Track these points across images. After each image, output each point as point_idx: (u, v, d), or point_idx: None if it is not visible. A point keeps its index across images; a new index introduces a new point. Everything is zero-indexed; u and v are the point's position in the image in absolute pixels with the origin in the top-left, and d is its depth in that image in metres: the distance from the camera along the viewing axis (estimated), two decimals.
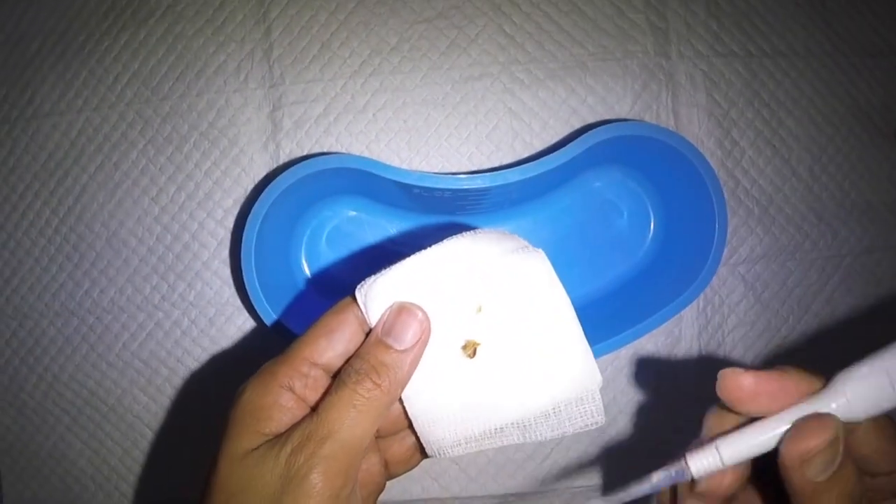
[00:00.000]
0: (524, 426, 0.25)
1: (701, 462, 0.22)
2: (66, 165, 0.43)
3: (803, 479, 0.21)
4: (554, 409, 0.25)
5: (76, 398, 0.43)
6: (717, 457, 0.22)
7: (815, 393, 0.22)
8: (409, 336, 0.24)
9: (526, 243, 0.27)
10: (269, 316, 0.36)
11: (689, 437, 0.24)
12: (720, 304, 0.43)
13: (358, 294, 0.25)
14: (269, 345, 0.42)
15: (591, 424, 0.25)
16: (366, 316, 0.25)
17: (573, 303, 0.26)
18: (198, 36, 0.42)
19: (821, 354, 0.43)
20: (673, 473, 0.22)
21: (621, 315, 0.39)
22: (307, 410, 0.25)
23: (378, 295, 0.25)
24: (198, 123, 0.42)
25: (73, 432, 0.44)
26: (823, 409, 0.21)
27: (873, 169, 0.44)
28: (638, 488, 0.23)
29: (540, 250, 0.26)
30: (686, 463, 0.22)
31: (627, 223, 0.41)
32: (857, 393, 0.21)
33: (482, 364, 0.25)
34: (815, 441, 0.21)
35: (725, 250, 0.42)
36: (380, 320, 0.25)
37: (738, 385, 0.22)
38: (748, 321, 0.43)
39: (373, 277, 0.26)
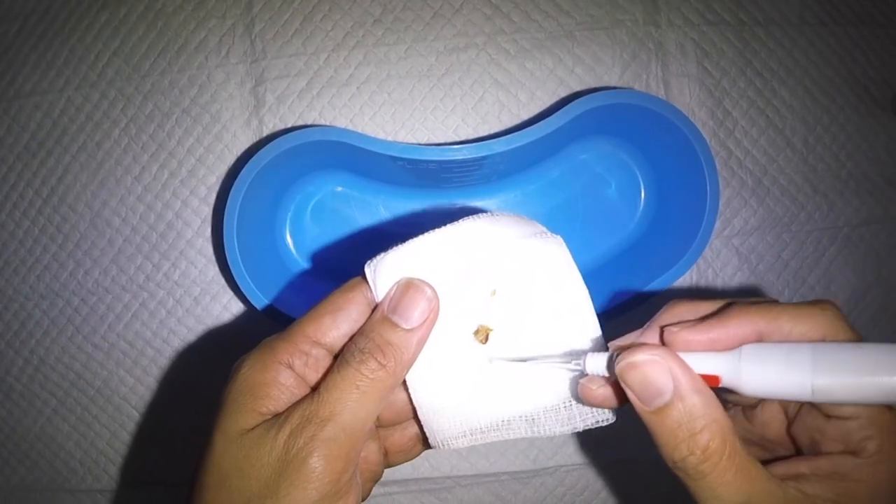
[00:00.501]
0: (533, 420, 0.24)
1: (593, 362, 0.23)
2: (49, 146, 0.42)
3: (635, 404, 0.21)
4: (566, 403, 0.24)
5: (63, 381, 0.43)
6: (603, 364, 0.23)
7: (725, 350, 0.22)
8: (416, 314, 0.23)
9: (544, 228, 0.26)
10: (254, 294, 0.36)
11: None
12: (714, 277, 0.42)
13: (367, 269, 0.24)
14: (254, 323, 0.42)
15: (603, 421, 0.24)
16: (374, 292, 0.24)
17: None
18: (178, 12, 0.41)
19: None
20: (573, 364, 0.23)
21: (612, 288, 0.38)
22: (307, 390, 0.24)
23: (387, 271, 0.24)
24: (180, 100, 0.41)
25: (61, 415, 0.43)
26: (714, 369, 0.21)
27: (869, 139, 0.43)
28: (549, 362, 0.24)
29: (558, 236, 0.25)
30: (584, 359, 0.23)
31: (617, 195, 0.41)
32: (750, 355, 0.21)
33: (494, 352, 0.24)
34: (631, 358, 0.21)
35: (718, 222, 0.42)
36: (386, 296, 0.24)
37: (676, 340, 0.22)
38: (743, 295, 0.42)
39: (383, 253, 0.25)
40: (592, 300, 0.27)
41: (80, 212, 0.42)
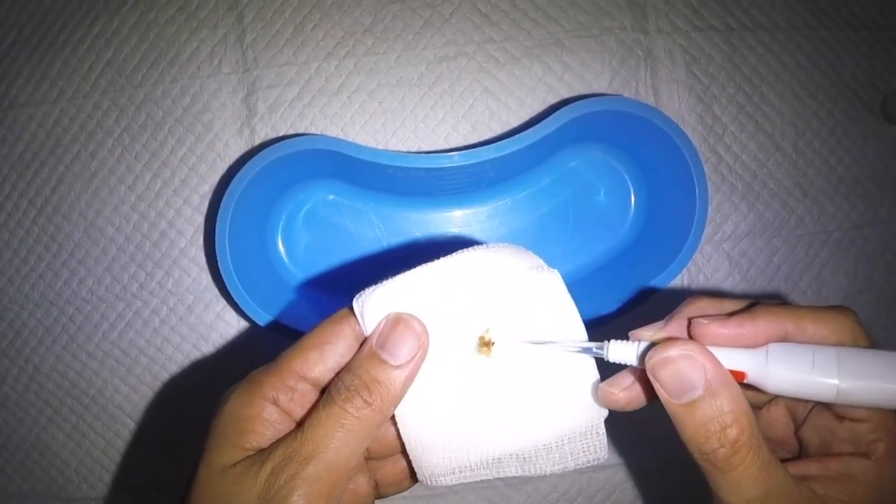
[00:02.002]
0: (524, 458, 0.24)
1: (617, 350, 0.23)
2: (43, 156, 0.43)
3: (664, 398, 0.21)
4: (557, 442, 0.24)
5: (57, 389, 0.43)
6: (634, 353, 0.23)
7: (750, 347, 0.22)
8: (404, 351, 0.23)
9: (540, 262, 0.25)
10: (246, 303, 0.36)
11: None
12: (705, 281, 0.42)
13: (355, 304, 0.24)
14: (247, 332, 0.42)
15: (594, 460, 0.24)
16: (362, 326, 0.24)
17: None
18: (170, 23, 0.42)
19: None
20: (594, 349, 0.23)
21: (603, 294, 0.39)
22: (293, 426, 0.23)
23: (376, 305, 0.23)
24: (172, 110, 0.42)
25: (56, 424, 0.43)
26: (741, 361, 0.22)
27: (859, 143, 0.43)
28: (567, 347, 0.24)
29: (555, 271, 0.25)
30: (607, 345, 0.23)
31: (608, 202, 0.41)
32: (777, 355, 0.21)
33: (485, 384, 0.24)
34: (665, 353, 0.21)
35: (709, 227, 0.42)
36: (374, 331, 0.23)
37: (705, 333, 0.22)
38: (748, 296, 0.42)
39: (373, 287, 0.24)
40: (584, 306, 0.27)
41: (74, 221, 0.42)
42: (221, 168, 0.41)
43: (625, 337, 0.24)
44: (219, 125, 0.41)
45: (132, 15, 0.42)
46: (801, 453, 0.25)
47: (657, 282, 0.37)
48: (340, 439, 0.22)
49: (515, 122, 0.41)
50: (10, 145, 0.43)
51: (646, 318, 0.29)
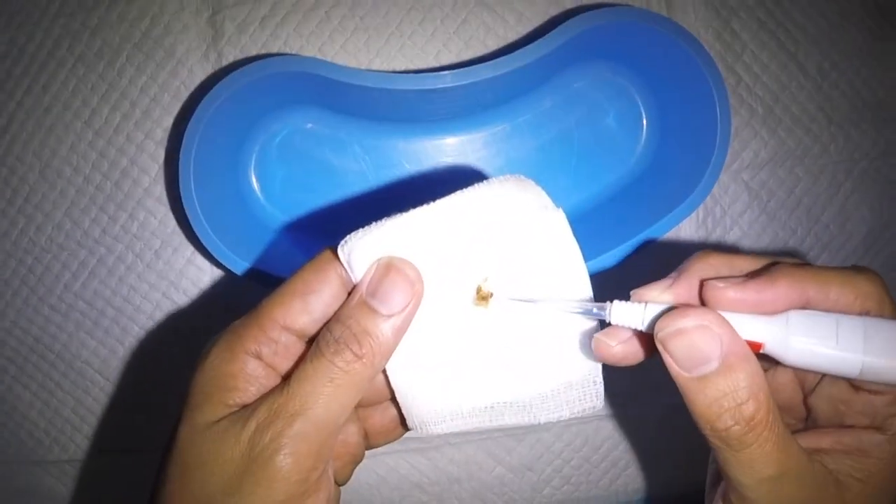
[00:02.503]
0: (520, 406, 0.23)
1: (621, 313, 0.22)
2: None
3: (674, 370, 0.20)
4: (553, 390, 0.23)
5: (20, 346, 0.40)
6: (640, 317, 0.21)
7: (769, 314, 0.20)
8: (397, 299, 0.21)
9: (546, 199, 0.23)
10: (217, 248, 0.33)
11: None
12: (722, 214, 0.39)
13: (340, 251, 0.22)
14: (222, 277, 0.39)
15: (589, 409, 0.23)
16: (349, 274, 0.22)
17: None
18: None
19: None
20: (594, 310, 0.22)
21: (612, 229, 0.35)
22: (278, 380, 0.22)
23: (366, 252, 0.22)
24: (130, 34, 0.37)
25: (21, 383, 0.40)
26: (760, 336, 0.20)
27: (887, 65, 0.40)
28: (566, 307, 0.23)
29: (560, 211, 0.23)
30: (610, 307, 0.22)
31: (617, 126, 0.37)
32: (798, 325, 0.20)
33: (480, 334, 0.23)
34: (678, 323, 0.20)
35: (727, 155, 0.38)
36: (364, 278, 0.22)
37: (720, 298, 0.21)
38: (753, 233, 0.40)
39: (360, 231, 0.22)
40: (590, 244, 0.24)
41: (29, 162, 0.38)
42: (186, 97, 0.37)
43: (628, 291, 0.22)
44: (182, 49, 0.37)
45: None
46: (809, 422, 0.23)
47: (672, 218, 0.34)
48: (329, 395, 0.21)
49: (514, 38, 0.37)
50: None
51: (655, 261, 0.27)
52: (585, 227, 0.36)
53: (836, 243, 0.40)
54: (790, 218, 0.40)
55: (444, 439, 0.40)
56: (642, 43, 0.34)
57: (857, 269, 0.21)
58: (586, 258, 0.23)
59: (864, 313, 0.20)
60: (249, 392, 0.22)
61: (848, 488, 0.20)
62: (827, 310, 0.20)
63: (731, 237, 0.39)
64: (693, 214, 0.38)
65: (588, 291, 0.23)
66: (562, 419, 0.23)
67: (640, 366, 0.22)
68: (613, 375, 0.23)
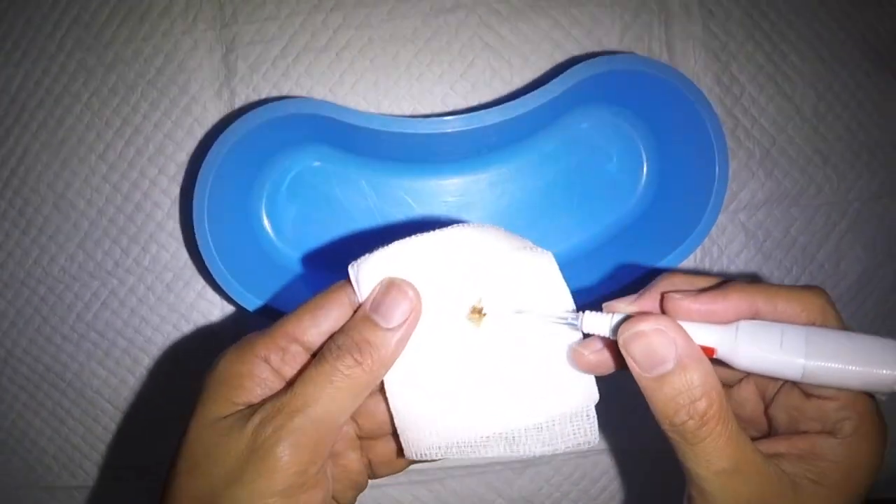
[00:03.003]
0: (513, 438, 0.24)
1: (591, 322, 0.23)
2: (7, 124, 0.39)
3: (636, 372, 0.22)
4: (548, 422, 0.24)
5: (32, 374, 0.40)
6: (601, 324, 0.23)
7: (721, 324, 0.22)
8: (397, 314, 0.23)
9: (531, 243, 0.25)
10: (228, 283, 0.34)
11: None
12: (719, 254, 0.40)
13: (351, 270, 0.24)
14: (231, 311, 0.39)
15: (584, 443, 0.24)
16: (357, 292, 0.24)
17: (559, 256, 0.25)
18: None
19: None
20: (569, 318, 0.24)
21: (612, 268, 0.36)
22: (283, 385, 0.24)
23: (371, 271, 0.24)
24: (144, 71, 0.38)
25: (32, 410, 0.41)
26: (712, 341, 0.22)
27: (882, 108, 0.41)
28: (543, 317, 0.24)
29: (549, 252, 0.25)
30: (582, 316, 0.24)
31: (618, 168, 0.38)
32: (746, 334, 0.22)
33: (476, 364, 0.24)
34: (636, 327, 0.21)
35: (725, 198, 0.39)
36: (369, 296, 0.24)
37: (677, 307, 0.23)
38: (749, 272, 0.40)
39: (368, 253, 0.24)
40: (590, 283, 0.25)
41: (43, 194, 0.39)
42: (199, 134, 0.38)
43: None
44: (195, 87, 0.38)
45: None
46: (770, 432, 0.25)
47: (671, 257, 0.35)
48: (329, 395, 0.22)
49: (519, 82, 0.38)
50: None
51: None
52: (586, 266, 0.37)
53: (831, 282, 0.41)
54: (786, 257, 0.41)
55: (446, 472, 0.40)
56: (643, 88, 0.35)
57: (804, 287, 0.23)
58: (586, 297, 0.24)
59: (810, 324, 0.22)
60: (256, 393, 0.23)
61: (803, 490, 0.22)
62: (775, 320, 0.22)
63: (728, 275, 0.40)
64: (691, 254, 0.39)
65: (571, 306, 0.24)
66: (557, 452, 0.24)
67: (634, 402, 0.23)
68: (609, 409, 0.24)
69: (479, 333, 0.24)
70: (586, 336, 0.24)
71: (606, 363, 0.24)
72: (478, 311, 0.24)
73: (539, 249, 0.25)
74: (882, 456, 0.22)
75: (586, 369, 0.24)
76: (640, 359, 0.22)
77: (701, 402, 0.21)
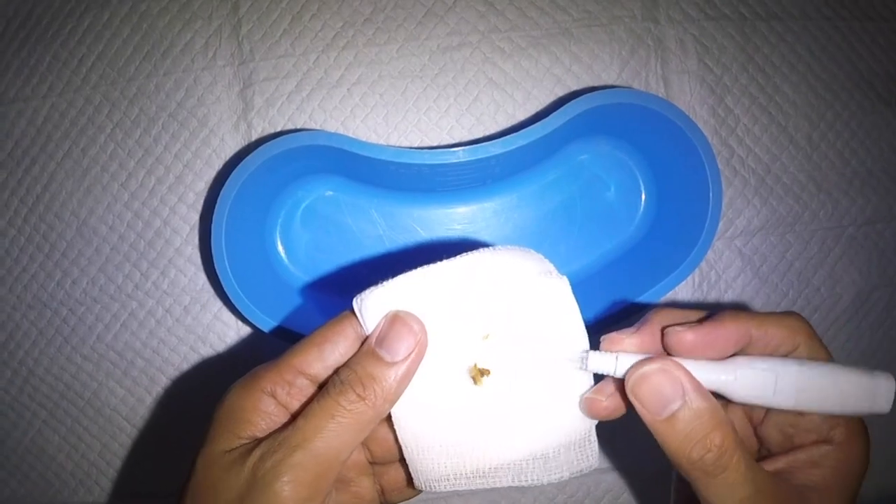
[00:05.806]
0: (519, 469, 0.24)
1: (596, 360, 0.24)
2: (33, 153, 0.41)
3: (647, 417, 0.22)
4: (554, 452, 0.24)
5: (52, 392, 0.42)
6: (607, 362, 0.24)
7: (720, 350, 0.24)
8: (401, 348, 0.23)
9: (550, 266, 0.25)
10: (244, 305, 0.35)
11: None
12: (716, 279, 0.41)
13: (355, 304, 0.24)
14: (246, 333, 0.41)
15: (586, 468, 0.25)
16: (363, 326, 0.24)
17: None
18: (163, 14, 0.40)
19: (822, 330, 0.42)
20: (576, 359, 0.24)
21: (611, 293, 0.37)
22: (288, 418, 0.24)
23: (376, 305, 0.24)
24: (166, 104, 0.40)
25: (51, 427, 0.42)
26: (712, 377, 0.23)
27: (874, 136, 0.42)
28: (550, 357, 0.24)
29: (564, 278, 0.25)
30: (587, 356, 0.24)
31: (616, 197, 0.39)
32: (744, 377, 0.23)
33: (485, 395, 0.24)
34: (641, 370, 0.22)
35: (721, 223, 0.41)
36: (374, 329, 0.24)
37: (681, 339, 0.24)
38: (746, 297, 0.42)
39: (373, 287, 0.24)
40: (589, 307, 0.26)
41: (67, 220, 0.41)
42: (217, 164, 0.40)
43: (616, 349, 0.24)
44: (214, 120, 0.40)
45: (123, 6, 0.40)
46: (762, 450, 0.26)
47: (669, 282, 0.36)
48: (331, 430, 0.22)
49: (522, 115, 0.40)
50: (0, 143, 0.41)
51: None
52: (585, 291, 0.38)
53: (827, 305, 0.42)
54: (782, 282, 0.42)
55: (451, 492, 0.41)
56: (641, 121, 0.36)
57: (787, 313, 0.25)
58: (585, 319, 0.25)
59: (797, 346, 0.24)
60: (261, 427, 0.23)
61: (810, 499, 0.23)
62: (767, 344, 0.24)
63: (726, 300, 0.42)
64: (689, 279, 0.40)
65: (586, 347, 0.24)
66: (562, 479, 0.24)
67: (639, 427, 0.24)
68: (610, 430, 0.25)
69: (491, 369, 0.24)
70: (597, 377, 0.24)
71: (618, 407, 0.24)
72: (479, 372, 0.24)
73: (555, 274, 0.24)
74: (869, 454, 0.24)
75: (602, 417, 0.24)
76: (648, 401, 0.22)
77: (715, 434, 0.22)
